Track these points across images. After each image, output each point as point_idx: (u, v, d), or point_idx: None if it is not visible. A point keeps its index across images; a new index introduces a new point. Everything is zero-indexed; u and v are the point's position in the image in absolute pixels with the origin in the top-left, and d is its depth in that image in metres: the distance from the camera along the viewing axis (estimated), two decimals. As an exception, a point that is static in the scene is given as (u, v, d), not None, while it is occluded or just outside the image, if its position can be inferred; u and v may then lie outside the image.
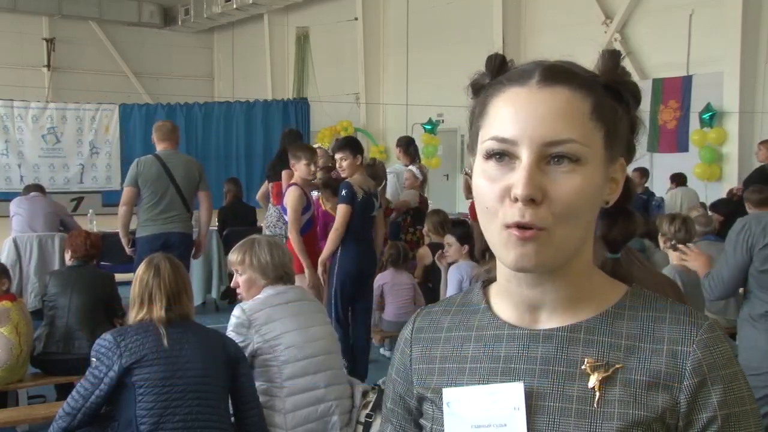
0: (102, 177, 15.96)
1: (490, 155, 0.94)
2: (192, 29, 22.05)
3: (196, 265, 7.90)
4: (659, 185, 10.96)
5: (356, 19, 17.44)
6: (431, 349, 1.09)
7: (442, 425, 1.03)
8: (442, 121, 15.10)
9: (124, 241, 5.94)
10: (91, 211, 8.84)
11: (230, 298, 8.71)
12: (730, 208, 7.36)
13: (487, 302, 1.08)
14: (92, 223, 8.06)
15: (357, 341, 5.41)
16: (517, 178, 0.91)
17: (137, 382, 2.85)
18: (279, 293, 3.30)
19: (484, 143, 0.95)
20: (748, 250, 3.45)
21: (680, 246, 3.79)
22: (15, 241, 7.33)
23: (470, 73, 1.04)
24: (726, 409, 0.94)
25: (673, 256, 4.09)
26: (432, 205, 8.43)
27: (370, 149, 16.86)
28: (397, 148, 8.09)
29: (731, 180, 10.79)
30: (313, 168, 5.63)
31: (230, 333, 3.20)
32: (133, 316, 3.01)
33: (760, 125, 11.09)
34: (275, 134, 14.78)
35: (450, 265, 5.32)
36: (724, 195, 9.27)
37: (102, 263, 6.17)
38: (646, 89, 11.13)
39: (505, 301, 1.05)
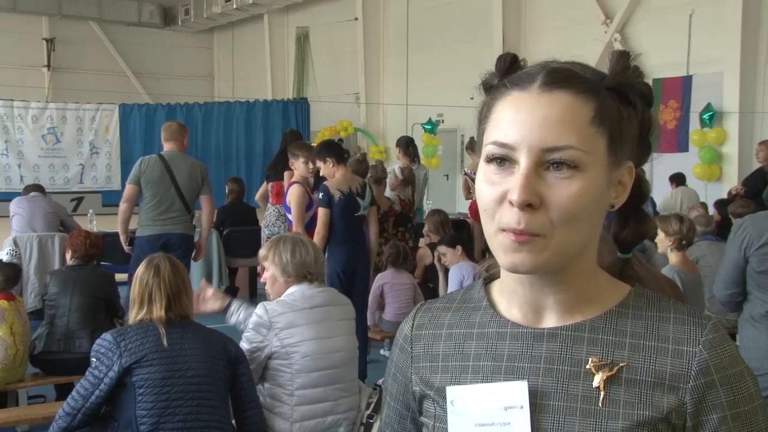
0: (102, 177, 15.96)
1: (490, 159, 0.95)
2: (192, 29, 22.04)
3: (196, 265, 7.90)
4: (659, 185, 10.96)
5: (356, 19, 17.44)
6: (432, 346, 1.09)
7: (446, 423, 1.03)
8: (442, 121, 15.10)
9: (122, 237, 5.94)
10: (91, 211, 8.84)
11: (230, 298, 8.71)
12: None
13: (489, 300, 1.08)
14: (92, 223, 8.06)
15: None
16: (514, 183, 0.92)
17: (137, 382, 2.85)
18: (305, 297, 3.24)
19: (486, 147, 0.96)
20: (743, 250, 3.47)
21: None
22: (15, 241, 7.34)
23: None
24: (735, 409, 0.95)
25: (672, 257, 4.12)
26: (432, 206, 8.44)
27: (370, 149, 16.88)
28: (397, 148, 8.09)
29: (731, 180, 10.79)
30: (311, 166, 5.66)
31: (249, 330, 3.19)
32: (133, 316, 3.01)
33: (760, 125, 11.10)
34: (275, 134, 14.79)
35: (446, 270, 5.36)
36: (724, 195, 9.27)
37: (102, 263, 6.18)
38: (646, 89, 11.13)
39: (509, 299, 1.05)
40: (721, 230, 6.23)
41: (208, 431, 2.91)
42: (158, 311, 2.96)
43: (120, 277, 5.83)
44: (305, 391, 3.14)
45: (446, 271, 5.58)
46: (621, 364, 0.96)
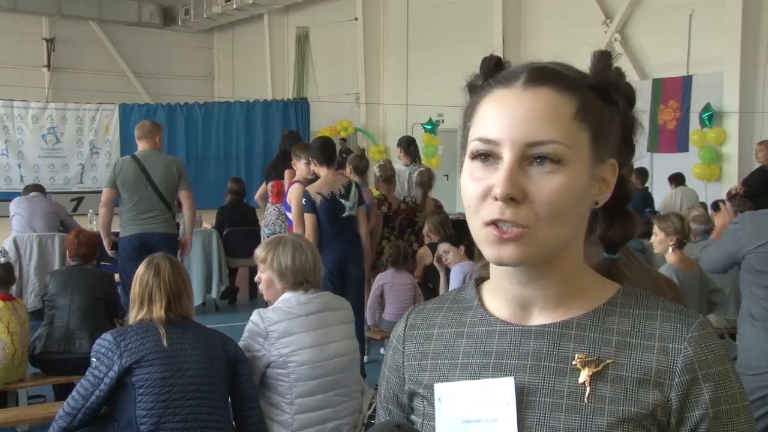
0: (102, 177, 15.90)
1: (475, 155, 0.96)
2: (192, 29, 22.04)
3: (196, 265, 7.91)
4: (659, 185, 10.96)
5: (356, 19, 17.43)
6: (424, 345, 1.10)
7: (434, 420, 1.04)
8: (442, 121, 15.09)
9: (105, 242, 5.92)
10: (91, 211, 8.85)
11: (230, 298, 8.73)
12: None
13: (480, 299, 1.09)
14: (92, 223, 8.07)
15: None
16: (498, 177, 0.93)
17: (137, 382, 2.85)
18: (300, 304, 3.16)
19: (471, 144, 0.97)
20: (739, 244, 3.51)
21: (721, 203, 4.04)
22: (15, 241, 7.34)
23: (470, 73, 1.05)
24: (717, 406, 0.95)
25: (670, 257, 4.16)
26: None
27: (370, 149, 16.88)
28: (398, 147, 8.09)
29: (731, 180, 10.79)
30: (312, 167, 5.67)
31: (246, 337, 3.13)
32: (133, 316, 3.02)
33: (760, 125, 11.09)
34: (275, 134, 14.77)
35: (447, 270, 5.35)
36: (723, 195, 9.26)
37: (102, 263, 6.17)
38: (646, 89, 11.13)
39: (497, 297, 1.06)
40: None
41: (208, 431, 2.91)
42: (158, 311, 2.96)
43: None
44: (304, 399, 3.09)
45: (447, 270, 5.58)
46: (607, 361, 0.97)
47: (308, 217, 5.39)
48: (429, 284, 6.56)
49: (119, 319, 4.68)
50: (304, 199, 5.39)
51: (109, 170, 6.03)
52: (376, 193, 7.06)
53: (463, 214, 0.99)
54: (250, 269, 8.60)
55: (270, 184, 7.17)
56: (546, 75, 0.96)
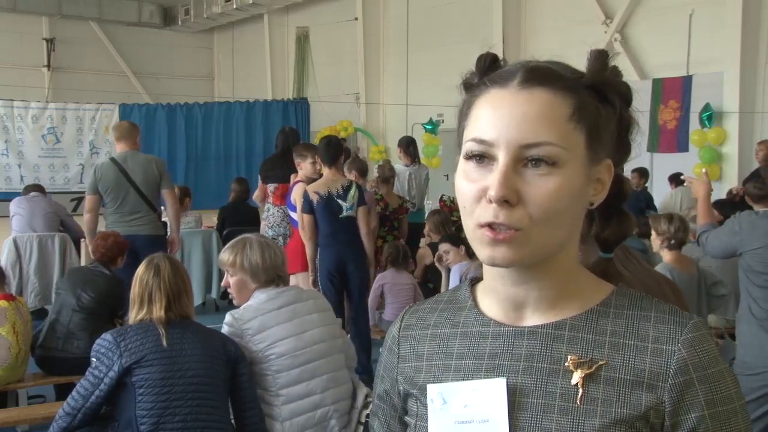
0: (102, 177, 15.95)
1: (469, 156, 0.96)
2: (192, 29, 22.02)
3: (196, 265, 7.91)
4: (659, 185, 10.96)
5: (356, 19, 17.43)
6: (418, 346, 1.10)
7: (427, 421, 1.03)
8: (442, 121, 15.08)
9: (91, 248, 5.89)
10: (91, 211, 8.83)
11: (230, 298, 8.72)
12: (732, 209, 7.37)
13: (474, 299, 1.08)
14: (90, 223, 8.05)
15: (355, 341, 5.41)
16: (493, 179, 0.92)
17: (137, 382, 2.85)
18: (270, 299, 3.21)
19: (465, 144, 0.97)
20: (732, 240, 3.57)
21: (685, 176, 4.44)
22: (15, 241, 7.34)
23: (466, 71, 1.05)
24: (713, 408, 0.94)
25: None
26: (432, 206, 8.44)
27: (370, 149, 16.87)
28: (398, 148, 8.11)
29: (731, 180, 10.78)
30: (318, 166, 5.71)
31: None
32: (133, 316, 3.02)
33: (760, 125, 11.09)
34: (275, 134, 14.76)
35: (448, 269, 5.35)
36: (723, 195, 9.27)
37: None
38: (646, 89, 11.13)
39: (491, 298, 1.05)
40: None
41: (208, 431, 2.91)
42: (158, 311, 2.96)
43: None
44: (289, 389, 3.14)
45: (448, 270, 5.57)
46: (600, 363, 0.96)
47: (306, 218, 5.44)
48: (429, 284, 6.57)
49: (119, 319, 4.68)
50: (303, 200, 5.45)
51: (90, 176, 5.99)
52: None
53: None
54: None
55: (273, 186, 7.15)
56: (542, 75, 0.96)
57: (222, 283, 3.46)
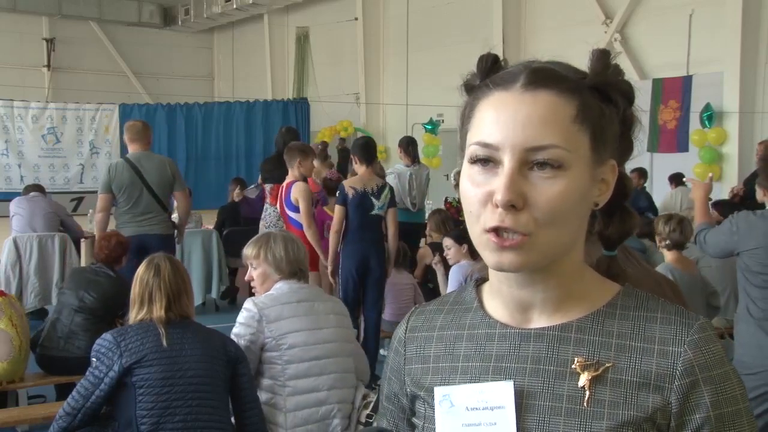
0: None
1: (474, 160, 0.95)
2: (192, 29, 22.05)
3: (196, 265, 7.91)
4: (659, 185, 10.96)
5: (356, 19, 17.44)
6: (424, 347, 1.10)
7: (434, 424, 1.03)
8: (443, 121, 15.09)
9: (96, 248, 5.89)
10: (90, 211, 8.82)
11: (230, 298, 8.72)
12: (732, 209, 7.36)
13: (480, 301, 1.08)
14: (92, 223, 8.05)
15: (366, 342, 5.44)
16: (498, 184, 0.91)
17: (137, 382, 2.85)
18: (292, 291, 3.29)
19: (470, 147, 0.96)
20: (730, 239, 3.58)
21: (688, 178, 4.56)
22: (15, 241, 7.34)
23: (467, 72, 1.04)
24: (719, 409, 0.94)
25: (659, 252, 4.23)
26: (433, 206, 8.44)
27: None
28: (399, 148, 8.11)
29: (731, 180, 10.78)
30: (316, 165, 5.77)
31: (239, 325, 3.19)
32: (134, 316, 3.02)
33: (760, 125, 11.09)
34: (275, 134, 14.78)
35: (447, 268, 5.34)
36: (723, 195, 9.27)
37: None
38: (646, 89, 11.13)
39: (497, 300, 1.05)
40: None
41: (208, 431, 2.91)
42: (158, 311, 2.96)
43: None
44: (297, 381, 3.18)
45: (446, 268, 5.57)
46: (606, 365, 0.96)
47: (338, 209, 5.62)
48: (429, 284, 6.57)
49: (120, 318, 4.68)
50: (338, 192, 5.68)
51: (103, 175, 5.99)
52: None
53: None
54: (250, 269, 8.58)
55: (269, 186, 7.15)
56: (545, 77, 0.95)
57: (245, 278, 3.49)
